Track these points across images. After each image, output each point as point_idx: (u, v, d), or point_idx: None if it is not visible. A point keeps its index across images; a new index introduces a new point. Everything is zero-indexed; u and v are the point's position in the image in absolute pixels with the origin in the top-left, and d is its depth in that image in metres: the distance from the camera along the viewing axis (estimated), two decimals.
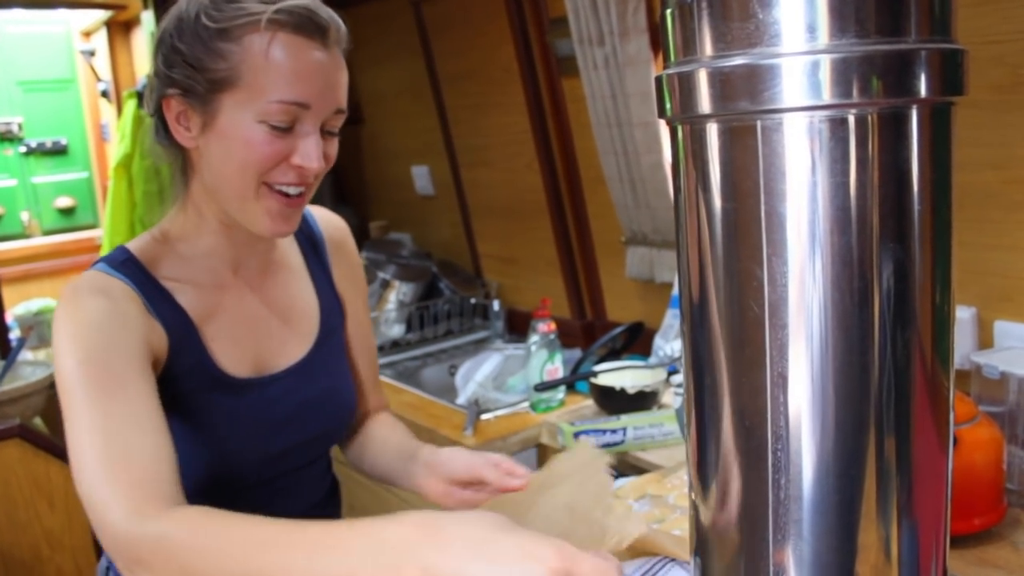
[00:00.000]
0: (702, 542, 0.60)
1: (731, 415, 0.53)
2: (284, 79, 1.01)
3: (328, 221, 1.33)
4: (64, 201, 4.62)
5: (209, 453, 1.11)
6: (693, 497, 0.60)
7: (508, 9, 2.46)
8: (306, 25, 1.02)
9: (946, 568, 0.57)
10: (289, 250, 1.26)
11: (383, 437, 1.33)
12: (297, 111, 1.03)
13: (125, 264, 1.09)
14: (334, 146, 1.10)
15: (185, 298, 1.11)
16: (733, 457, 0.54)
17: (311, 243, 1.29)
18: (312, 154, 1.04)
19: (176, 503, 0.90)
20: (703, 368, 0.55)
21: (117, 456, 0.90)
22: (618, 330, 2.29)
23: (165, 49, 1.06)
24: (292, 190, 1.07)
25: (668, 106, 0.54)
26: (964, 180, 1.74)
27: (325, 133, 1.08)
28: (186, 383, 1.10)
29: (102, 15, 4.29)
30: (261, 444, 1.15)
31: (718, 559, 0.58)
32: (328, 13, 1.06)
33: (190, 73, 1.03)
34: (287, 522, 0.80)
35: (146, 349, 1.02)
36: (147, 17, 3.49)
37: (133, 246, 1.12)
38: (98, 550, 2.37)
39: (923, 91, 0.47)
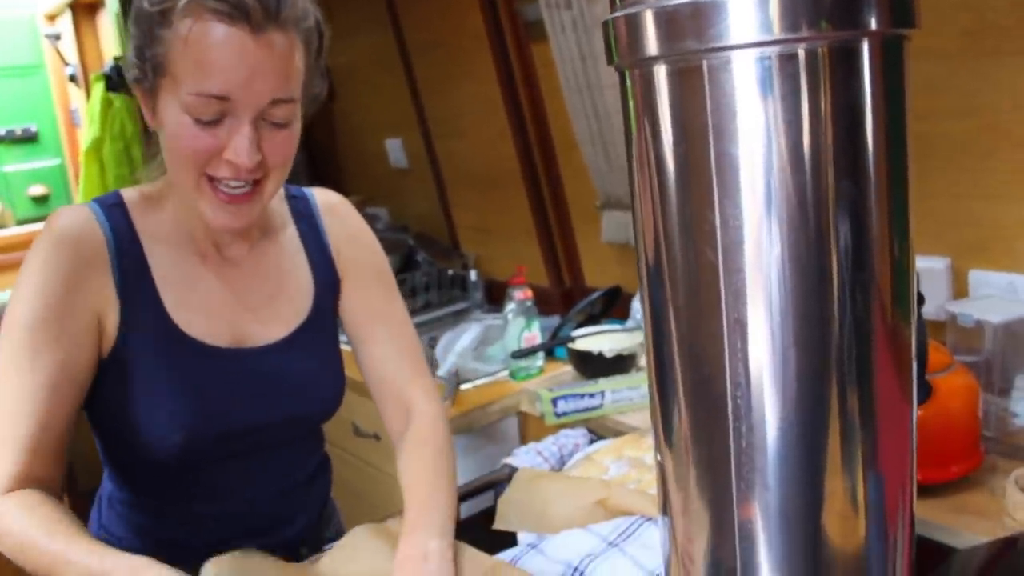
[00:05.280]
0: (668, 499, 0.59)
1: (689, 363, 0.52)
2: (200, 69, 0.95)
3: (326, 200, 1.30)
4: (37, 189, 4.56)
5: (175, 418, 1.10)
6: (658, 455, 0.59)
7: None
8: (228, 10, 0.94)
9: (914, 515, 0.56)
10: (285, 229, 1.24)
11: (405, 483, 1.21)
12: (219, 104, 0.97)
13: (113, 208, 1.10)
14: (284, 138, 1.03)
15: (157, 258, 1.11)
16: (693, 408, 0.53)
17: (309, 223, 1.26)
18: (242, 150, 0.98)
19: (33, 479, 1.02)
20: (660, 318, 0.54)
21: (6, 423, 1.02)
22: (596, 295, 2.28)
23: (127, 36, 1.04)
24: (233, 185, 1.02)
25: (615, 51, 0.52)
26: (934, 129, 1.75)
27: (270, 124, 1.01)
28: (146, 341, 1.09)
29: None
30: (230, 416, 1.13)
31: (684, 515, 0.57)
32: None
33: (138, 59, 1.01)
34: (78, 545, 0.96)
35: (88, 322, 1.06)
36: None
37: (128, 194, 1.13)
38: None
39: (873, 23, 0.46)
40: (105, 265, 1.07)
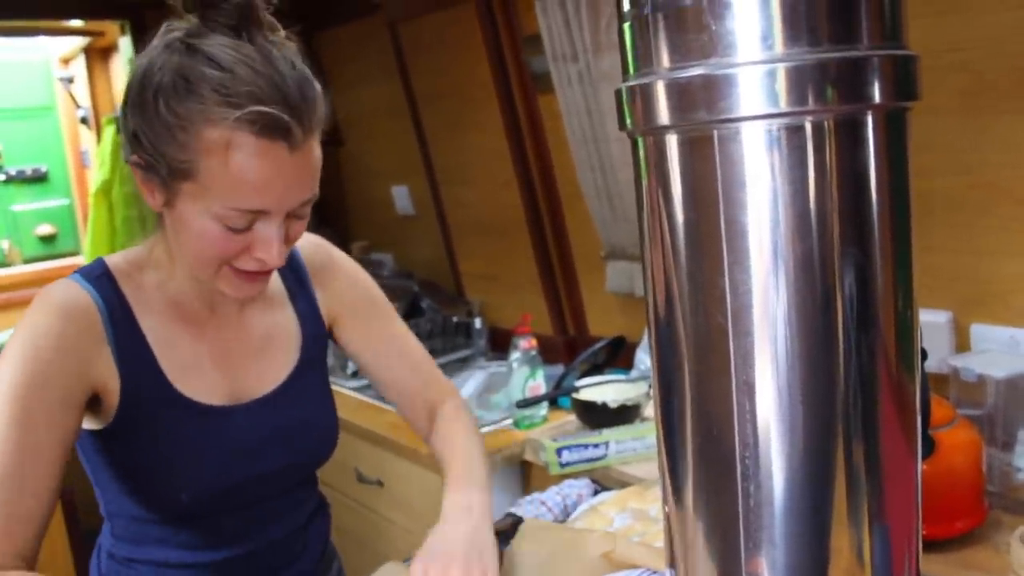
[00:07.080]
0: (676, 553, 0.60)
1: (698, 424, 0.54)
2: (241, 187, 0.96)
3: (307, 246, 1.29)
4: (45, 228, 4.60)
5: (180, 478, 1.11)
6: (666, 508, 0.60)
7: (483, 28, 2.47)
8: (269, 131, 0.95)
9: (919, 572, 0.57)
10: (271, 280, 1.24)
11: (443, 450, 1.32)
12: (254, 215, 0.99)
13: (100, 279, 1.09)
14: (301, 227, 1.07)
15: (149, 324, 1.11)
16: (702, 466, 0.54)
17: (293, 272, 1.27)
18: (273, 251, 1.01)
19: (20, 561, 0.95)
20: (670, 378, 0.55)
21: None
22: (600, 344, 2.29)
23: (127, 119, 1.02)
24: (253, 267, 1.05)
25: (628, 119, 0.54)
26: (933, 186, 1.77)
27: (294, 218, 1.05)
28: (149, 408, 1.10)
29: (80, 42, 4.27)
30: (228, 471, 1.15)
31: (692, 569, 0.58)
32: (298, 102, 0.97)
33: (151, 152, 0.99)
34: None
35: (80, 390, 1.03)
36: (125, 43, 3.48)
37: (112, 261, 1.12)
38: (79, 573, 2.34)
39: (877, 97, 0.48)
40: (102, 337, 1.06)
